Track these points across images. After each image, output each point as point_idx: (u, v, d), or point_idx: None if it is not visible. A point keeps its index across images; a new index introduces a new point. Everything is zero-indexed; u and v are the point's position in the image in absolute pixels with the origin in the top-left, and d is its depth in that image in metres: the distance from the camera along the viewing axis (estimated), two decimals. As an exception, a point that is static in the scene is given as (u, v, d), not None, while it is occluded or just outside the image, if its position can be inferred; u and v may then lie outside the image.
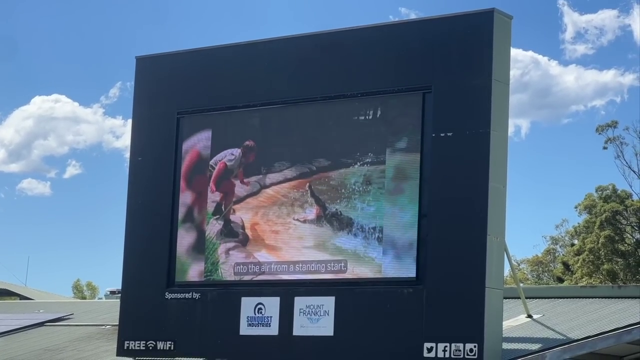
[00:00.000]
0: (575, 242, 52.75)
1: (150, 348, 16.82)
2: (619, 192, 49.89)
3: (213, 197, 16.82)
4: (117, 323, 17.67)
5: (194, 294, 16.63)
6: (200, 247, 16.78)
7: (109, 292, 31.27)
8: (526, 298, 16.69)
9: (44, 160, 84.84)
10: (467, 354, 14.18)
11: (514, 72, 49.01)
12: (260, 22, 77.44)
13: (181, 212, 17.03)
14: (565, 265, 51.80)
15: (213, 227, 16.74)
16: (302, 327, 15.58)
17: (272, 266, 16.13)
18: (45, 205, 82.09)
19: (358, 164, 15.61)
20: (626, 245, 48.69)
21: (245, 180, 16.58)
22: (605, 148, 52.10)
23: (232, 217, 16.60)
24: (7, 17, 77.07)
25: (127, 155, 18.21)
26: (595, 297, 17.34)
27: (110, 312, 21.93)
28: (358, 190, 15.56)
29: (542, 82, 72.04)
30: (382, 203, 15.31)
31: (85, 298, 60.02)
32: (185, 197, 17.04)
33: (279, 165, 16.29)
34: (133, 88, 18.09)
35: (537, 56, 73.77)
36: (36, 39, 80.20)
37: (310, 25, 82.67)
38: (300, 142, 16.17)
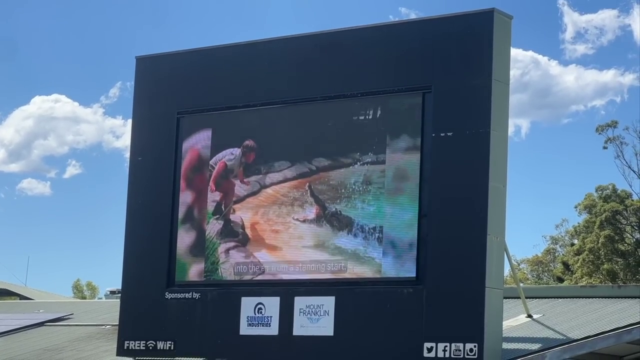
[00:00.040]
0: (575, 242, 52.72)
1: (150, 348, 16.82)
2: (619, 192, 49.87)
3: (213, 196, 16.82)
4: (117, 323, 17.67)
5: (194, 293, 16.63)
6: (200, 246, 16.78)
7: (109, 292, 31.32)
8: (526, 298, 16.69)
9: (44, 160, 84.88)
10: (467, 354, 14.17)
11: (514, 72, 49.05)
12: (260, 22, 77.49)
13: (181, 211, 17.03)
14: (565, 265, 51.77)
15: (213, 226, 16.74)
16: (302, 327, 15.57)
17: (272, 266, 16.13)
18: (45, 205, 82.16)
19: (358, 163, 15.60)
20: (626, 245, 48.65)
21: (245, 179, 16.58)
22: (605, 148, 52.13)
23: (232, 217, 16.60)
24: (7, 17, 77.15)
25: (127, 155, 18.24)
26: (595, 297, 17.34)
27: (110, 312, 21.92)
28: (358, 190, 15.55)
29: (542, 82, 72.07)
30: (382, 203, 15.30)
31: (85, 298, 60.01)
32: (185, 197, 17.04)
33: (279, 165, 16.29)
34: (133, 88, 18.11)
35: (537, 56, 73.78)
36: (36, 39, 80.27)
37: (310, 25, 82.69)
38: (300, 142, 16.17)
